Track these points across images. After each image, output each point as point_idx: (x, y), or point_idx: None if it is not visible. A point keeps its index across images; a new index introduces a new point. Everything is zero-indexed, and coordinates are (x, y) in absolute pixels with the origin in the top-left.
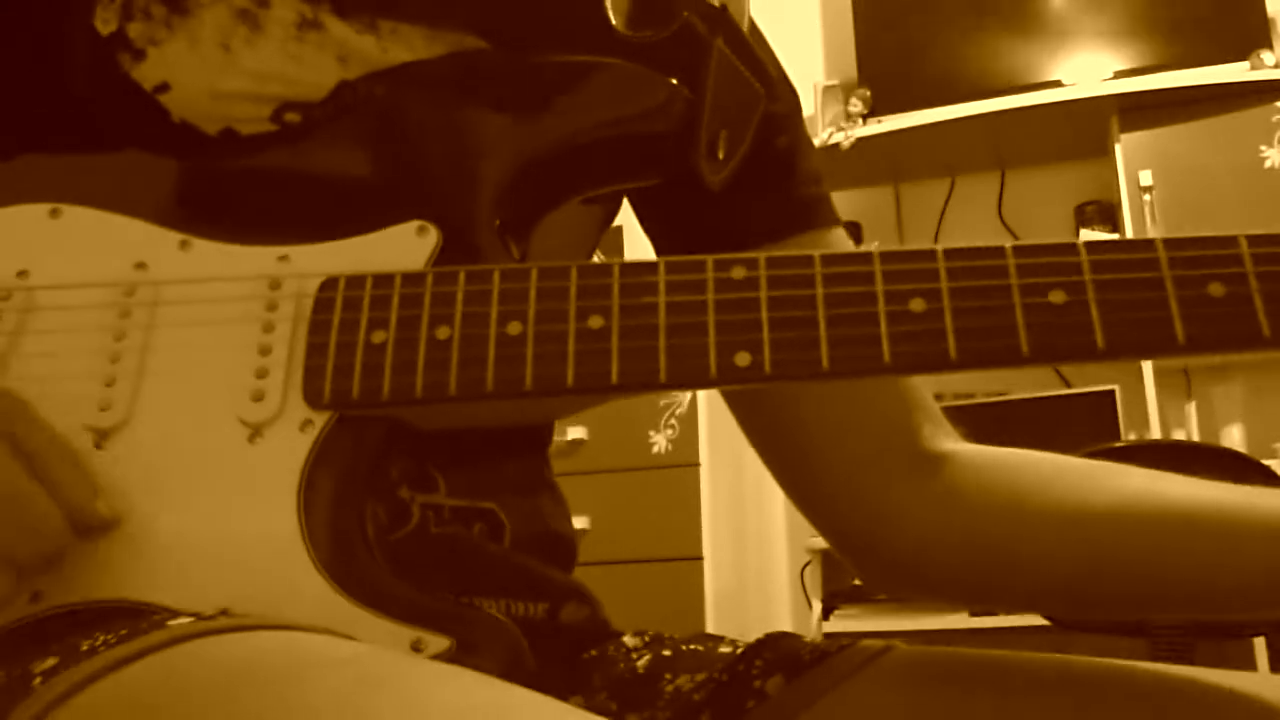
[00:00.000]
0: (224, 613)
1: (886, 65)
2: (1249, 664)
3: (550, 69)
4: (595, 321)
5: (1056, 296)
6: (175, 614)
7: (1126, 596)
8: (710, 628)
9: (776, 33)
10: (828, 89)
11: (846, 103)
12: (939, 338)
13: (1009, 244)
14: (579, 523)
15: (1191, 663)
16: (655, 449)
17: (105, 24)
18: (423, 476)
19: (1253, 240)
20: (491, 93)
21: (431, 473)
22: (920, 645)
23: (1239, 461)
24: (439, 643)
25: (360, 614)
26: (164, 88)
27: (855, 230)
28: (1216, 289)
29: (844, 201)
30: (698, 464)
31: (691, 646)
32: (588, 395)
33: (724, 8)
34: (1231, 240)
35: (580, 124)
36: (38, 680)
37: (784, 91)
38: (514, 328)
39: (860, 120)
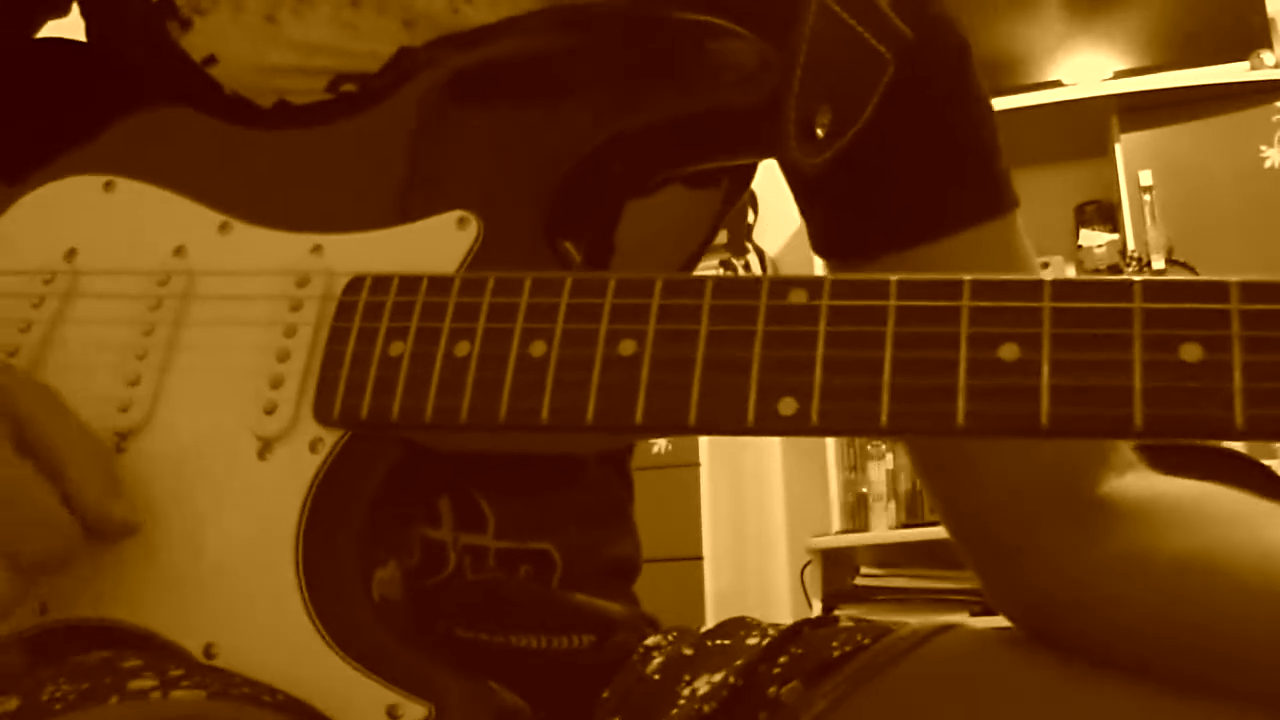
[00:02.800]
0: (209, 647)
1: None
2: None
3: (626, 28)
4: (626, 347)
5: (1190, 353)
6: (149, 654)
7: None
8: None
9: None
10: None
11: None
12: (1030, 397)
13: (1139, 278)
14: None
15: None
16: (655, 449)
17: None
18: (471, 511)
19: None
20: (540, 68)
21: (481, 507)
22: (952, 636)
23: (1239, 461)
24: (416, 710)
25: (342, 668)
26: (211, 60)
27: None
28: None
29: None
30: (698, 464)
31: (718, 641)
32: (607, 433)
33: None
34: None
35: (651, 98)
36: None
37: (939, 46)
38: (538, 348)
39: None
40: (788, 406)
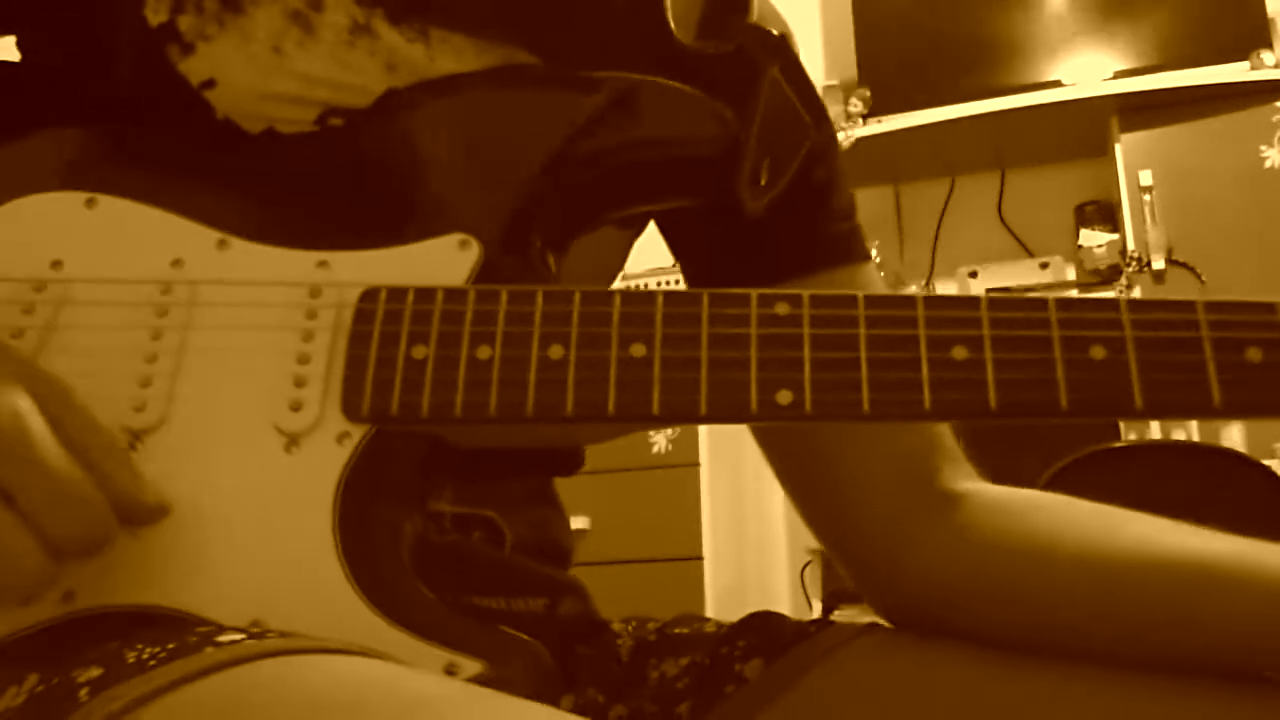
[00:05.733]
0: (255, 624)
1: (886, 65)
2: None
3: (598, 86)
4: (638, 350)
5: (1097, 352)
6: (210, 624)
7: (1139, 643)
8: None
9: None
10: (828, 89)
11: (846, 103)
12: (980, 388)
13: (1053, 296)
14: (579, 523)
15: None
16: (655, 449)
17: (155, 14)
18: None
19: None
20: (538, 108)
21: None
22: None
23: (1239, 461)
24: (472, 666)
25: (395, 634)
26: (210, 84)
27: None
28: (1254, 354)
29: None
30: (698, 464)
31: (677, 630)
32: (626, 424)
33: (784, 37)
34: (1270, 307)
35: (626, 144)
36: (84, 691)
37: (824, 124)
38: (556, 351)
39: (860, 120)
40: (785, 398)
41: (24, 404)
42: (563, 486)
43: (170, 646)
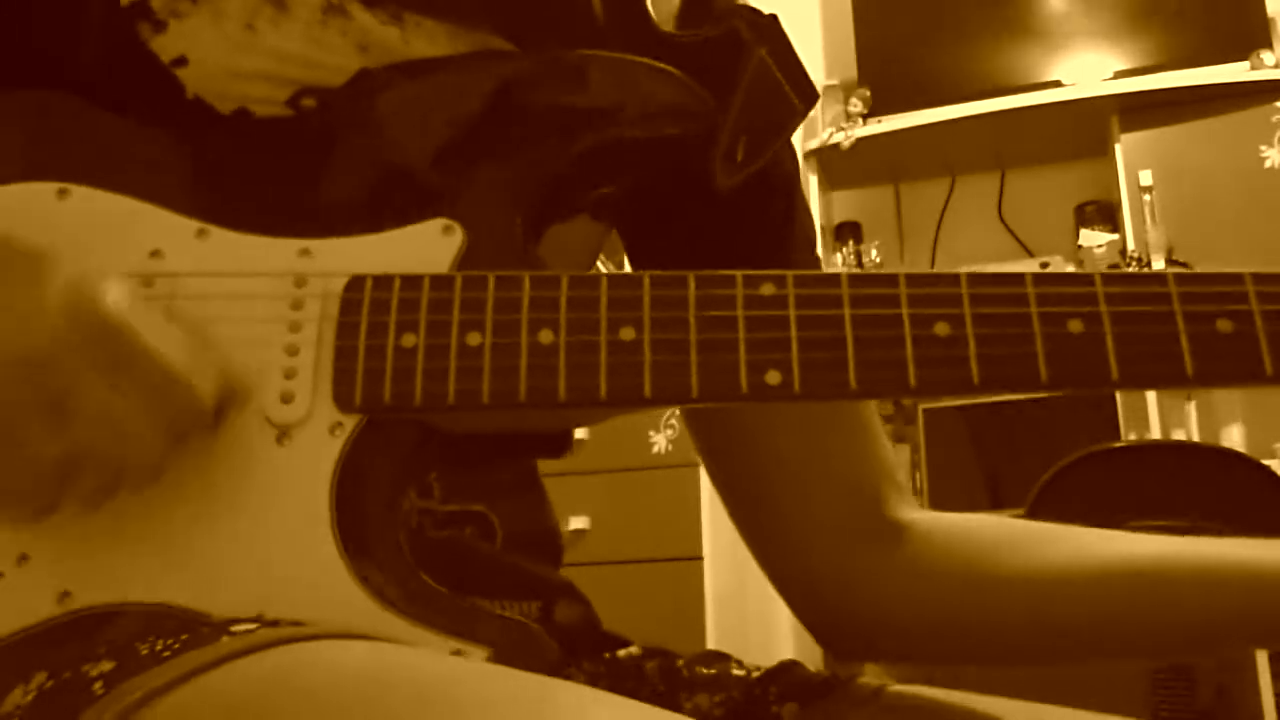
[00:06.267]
0: (260, 617)
1: (886, 65)
2: (1250, 678)
3: (571, 64)
4: (627, 334)
5: (1074, 326)
6: (213, 619)
7: (1081, 648)
8: (710, 628)
9: None
10: (828, 89)
11: (846, 103)
12: (962, 364)
13: (1029, 271)
14: (579, 523)
15: (1191, 678)
16: (655, 449)
17: None
18: (422, 482)
19: (1258, 279)
20: (515, 91)
21: (428, 479)
22: (910, 686)
23: (1239, 461)
24: (479, 653)
25: (401, 624)
26: (181, 61)
27: (855, 230)
28: (1225, 325)
29: (844, 201)
30: (698, 464)
31: (705, 670)
32: (618, 407)
33: (775, 18)
34: (1239, 277)
35: (600, 122)
36: (98, 684)
37: (792, 156)
38: (545, 337)
39: (860, 120)
40: (773, 378)
41: (122, 291)
42: (563, 486)
43: (184, 638)
